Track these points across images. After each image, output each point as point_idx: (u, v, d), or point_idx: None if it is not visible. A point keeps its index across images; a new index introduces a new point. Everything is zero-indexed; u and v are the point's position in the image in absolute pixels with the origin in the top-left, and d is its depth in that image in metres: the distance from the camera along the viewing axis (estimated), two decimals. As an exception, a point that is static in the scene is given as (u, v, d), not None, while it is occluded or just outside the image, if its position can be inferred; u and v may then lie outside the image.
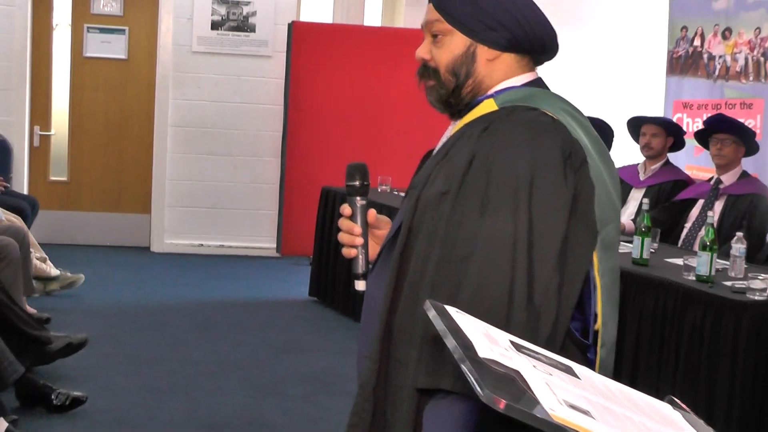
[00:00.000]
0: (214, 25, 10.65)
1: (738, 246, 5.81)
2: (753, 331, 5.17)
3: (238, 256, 10.83)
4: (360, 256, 2.56)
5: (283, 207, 10.37)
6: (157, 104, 10.78)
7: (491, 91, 2.44)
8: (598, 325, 2.33)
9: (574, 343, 2.30)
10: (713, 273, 5.57)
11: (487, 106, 2.41)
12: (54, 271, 8.52)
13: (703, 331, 5.35)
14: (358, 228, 2.56)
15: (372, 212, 2.59)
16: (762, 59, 9.35)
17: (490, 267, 2.13)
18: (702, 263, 5.55)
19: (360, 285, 2.58)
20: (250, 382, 6.59)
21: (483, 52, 2.42)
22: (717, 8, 9.72)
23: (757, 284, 5.29)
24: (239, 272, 10.08)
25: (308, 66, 10.18)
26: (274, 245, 10.57)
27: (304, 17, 11.20)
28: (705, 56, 9.77)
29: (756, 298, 5.23)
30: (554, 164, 2.22)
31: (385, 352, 2.31)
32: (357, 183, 2.56)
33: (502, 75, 2.45)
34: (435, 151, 2.53)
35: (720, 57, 9.64)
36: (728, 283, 5.53)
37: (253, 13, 10.69)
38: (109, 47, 10.78)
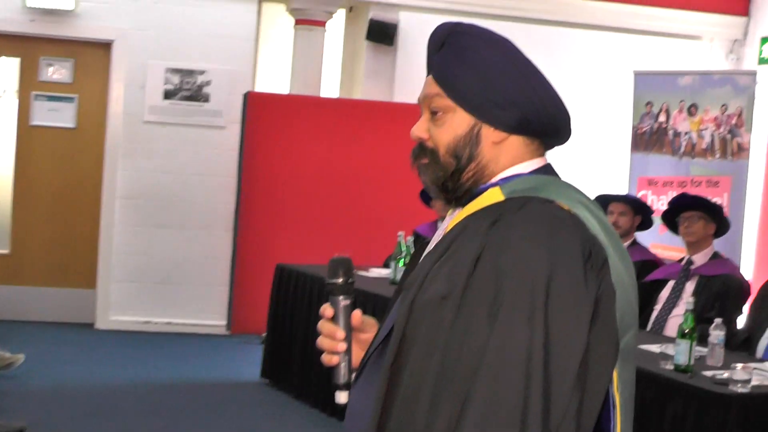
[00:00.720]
0: (167, 95, 10.28)
1: (717, 333, 5.54)
2: (739, 425, 4.85)
3: (186, 333, 10.33)
4: (342, 364, 2.20)
5: (234, 283, 10.00)
6: (106, 175, 10.33)
7: (496, 179, 2.14)
8: None
9: None
10: (692, 362, 5.27)
11: (493, 196, 2.09)
12: (-9, 354, 8.06)
13: (684, 425, 5.03)
14: (340, 332, 2.20)
15: (357, 314, 2.24)
16: (729, 136, 9.18)
17: (500, 385, 1.84)
18: (681, 352, 5.25)
19: (342, 397, 2.21)
20: (199, 475, 6.18)
21: (489, 134, 2.12)
22: (682, 84, 9.55)
23: (739, 375, 4.99)
24: (187, 351, 9.61)
25: (263, 137, 9.89)
26: (225, 322, 10.17)
27: (260, 87, 10.90)
28: (670, 132, 9.58)
29: (740, 390, 4.93)
30: (574, 265, 1.92)
31: None
32: (340, 281, 2.21)
33: (508, 160, 2.15)
34: (431, 245, 2.17)
35: (686, 133, 9.45)
36: (708, 373, 5.23)
37: (208, 83, 10.33)
38: (58, 115, 10.35)
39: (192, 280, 10.45)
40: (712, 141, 9.28)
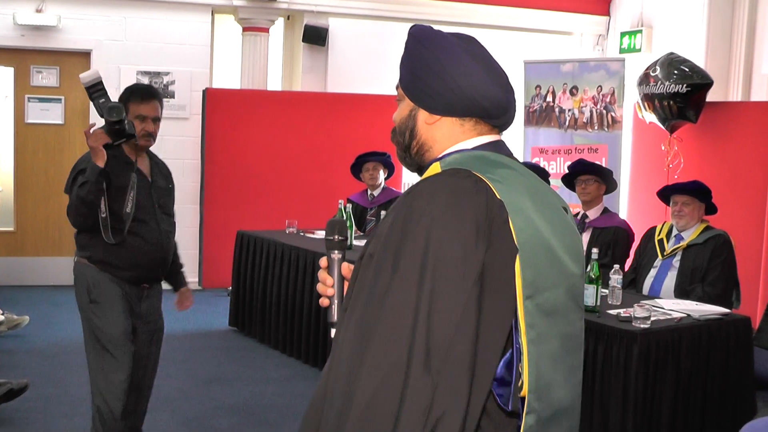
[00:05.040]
0: (139, 93, 9.75)
1: (616, 277, 5.23)
2: (642, 358, 4.49)
3: (165, 289, 9.75)
4: (333, 306, 2.10)
5: (203, 246, 9.56)
6: (91, 162, 9.77)
7: (441, 154, 2.02)
8: (524, 392, 1.80)
9: (501, 410, 1.81)
10: (599, 303, 4.90)
11: (433, 169, 1.95)
12: (-1, 317, 7.45)
13: (595, 359, 4.65)
14: (330, 279, 2.10)
15: (345, 265, 2.11)
16: (604, 112, 8.96)
17: (394, 329, 1.73)
18: (589, 295, 4.89)
19: (333, 333, 2.04)
20: (182, 416, 5.65)
21: (423, 116, 2.02)
22: (565, 70, 9.26)
23: (639, 313, 4.63)
24: (167, 305, 8.97)
25: (221, 126, 9.53)
26: (197, 279, 9.69)
27: (216, 84, 10.37)
28: (556, 110, 9.28)
29: (641, 326, 4.56)
30: (464, 231, 1.77)
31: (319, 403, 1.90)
32: (335, 237, 2.11)
33: (447, 138, 2.02)
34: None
35: (569, 110, 9.18)
36: (613, 312, 4.89)
37: (173, 82, 9.86)
38: (48, 114, 9.80)
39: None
40: (591, 116, 9.02)
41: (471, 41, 2.04)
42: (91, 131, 4.06)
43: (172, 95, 9.88)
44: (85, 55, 9.75)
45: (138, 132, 4.26)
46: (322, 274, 2.11)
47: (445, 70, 1.96)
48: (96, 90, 4.03)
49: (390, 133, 2.14)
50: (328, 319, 2.10)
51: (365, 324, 1.77)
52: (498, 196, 1.80)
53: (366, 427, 1.72)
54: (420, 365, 1.70)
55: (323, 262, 2.12)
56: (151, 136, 4.34)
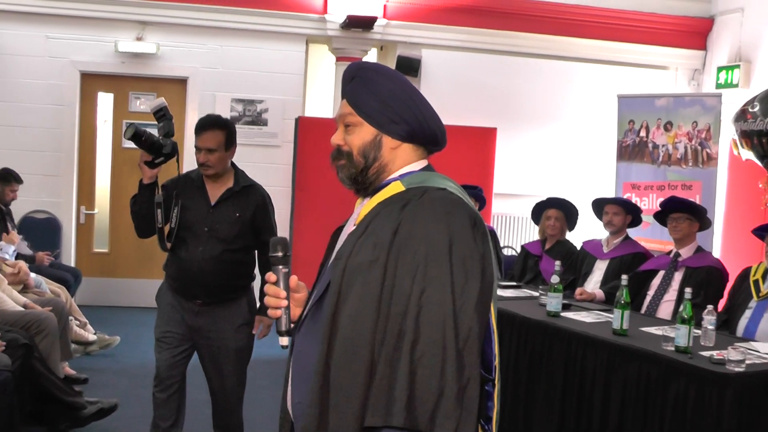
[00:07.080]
0: (233, 120, 9.86)
1: (709, 318, 5.09)
2: (736, 403, 4.35)
3: (253, 315, 9.91)
4: (284, 316, 2.32)
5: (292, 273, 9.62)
6: (185, 187, 9.98)
7: (395, 175, 2.32)
8: (497, 361, 2.24)
9: (482, 377, 2.17)
10: (691, 344, 4.79)
11: (395, 188, 2.27)
12: (91, 337, 7.62)
13: (686, 401, 4.53)
14: (282, 292, 2.33)
15: (293, 278, 2.37)
16: (699, 148, 8.78)
17: (425, 320, 2.02)
18: (681, 335, 4.77)
19: (284, 341, 2.36)
20: (266, 442, 5.70)
21: (388, 141, 2.30)
22: (659, 105, 9.14)
23: (734, 355, 4.49)
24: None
25: (312, 154, 9.57)
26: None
27: (309, 113, 10.54)
28: (650, 145, 9.15)
29: (736, 370, 4.43)
30: (467, 232, 2.12)
31: (325, 401, 2.09)
32: (280, 254, 2.35)
33: (402, 161, 2.32)
34: (348, 227, 2.36)
35: (663, 146, 9.04)
36: (705, 354, 4.75)
37: (266, 110, 10.04)
38: (144, 139, 10.00)
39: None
40: (686, 152, 8.87)
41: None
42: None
43: (264, 123, 10.05)
44: (181, 82, 9.98)
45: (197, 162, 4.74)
46: (272, 288, 2.33)
47: (414, 102, 2.27)
48: (160, 115, 4.60)
49: (330, 156, 2.37)
50: (279, 329, 2.31)
51: (389, 321, 2.03)
52: (473, 207, 2.19)
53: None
54: (452, 345, 2.01)
55: (272, 277, 2.34)
56: (207, 166, 4.71)
